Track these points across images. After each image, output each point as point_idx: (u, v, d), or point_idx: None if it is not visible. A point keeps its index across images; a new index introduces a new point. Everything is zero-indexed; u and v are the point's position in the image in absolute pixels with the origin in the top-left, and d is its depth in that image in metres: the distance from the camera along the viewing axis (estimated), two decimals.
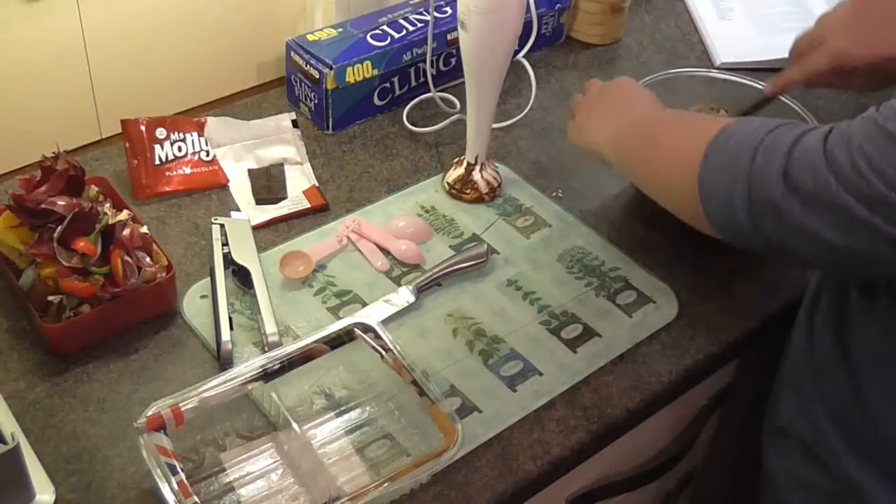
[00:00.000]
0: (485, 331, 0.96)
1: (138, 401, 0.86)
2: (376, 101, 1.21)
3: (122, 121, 1.09)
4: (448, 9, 1.25)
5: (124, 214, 0.94)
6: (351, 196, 1.10)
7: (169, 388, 0.87)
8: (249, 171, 1.12)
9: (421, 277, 0.99)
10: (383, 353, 0.88)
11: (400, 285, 0.99)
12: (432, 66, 1.21)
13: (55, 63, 1.08)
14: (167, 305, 0.94)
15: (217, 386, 0.83)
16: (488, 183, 1.10)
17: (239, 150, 1.13)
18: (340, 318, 0.93)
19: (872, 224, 0.69)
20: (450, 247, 1.04)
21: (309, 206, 1.08)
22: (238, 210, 1.06)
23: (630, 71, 1.06)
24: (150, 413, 0.80)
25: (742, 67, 1.32)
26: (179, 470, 0.77)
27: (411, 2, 1.26)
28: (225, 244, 0.99)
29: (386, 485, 0.78)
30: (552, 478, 0.88)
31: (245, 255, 0.98)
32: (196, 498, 0.76)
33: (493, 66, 1.02)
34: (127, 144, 1.09)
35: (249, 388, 0.85)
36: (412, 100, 1.23)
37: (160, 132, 1.10)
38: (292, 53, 1.18)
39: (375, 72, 1.18)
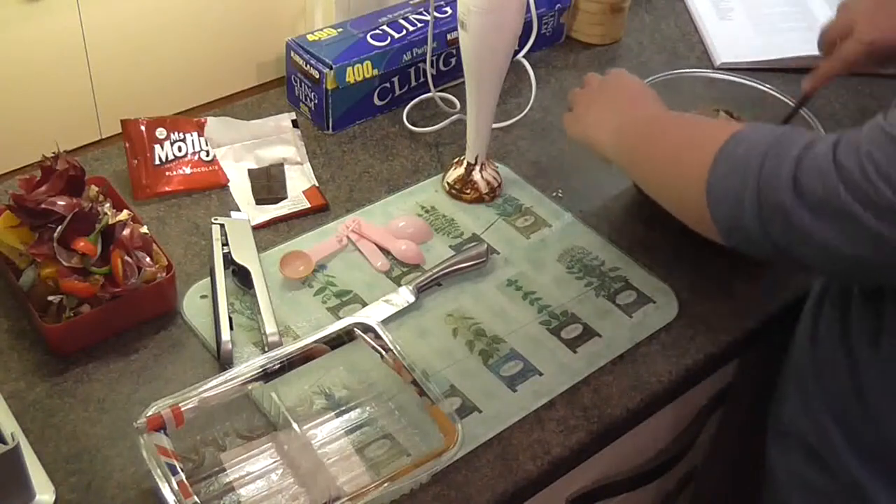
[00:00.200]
0: (485, 331, 0.96)
1: (138, 401, 0.86)
2: (376, 101, 1.21)
3: (122, 121, 1.09)
4: (448, 9, 1.25)
5: (124, 214, 0.94)
6: (351, 196, 1.10)
7: (169, 388, 0.87)
8: (249, 171, 1.12)
9: (421, 277, 0.99)
10: (383, 353, 0.88)
11: (400, 285, 0.99)
12: (432, 66, 1.21)
13: (55, 63, 1.08)
14: (167, 305, 0.94)
15: (217, 386, 0.83)
16: (488, 183, 1.10)
17: (239, 150, 1.13)
18: (340, 318, 0.93)
19: (880, 232, 0.69)
20: (450, 247, 1.04)
21: (309, 206, 1.08)
22: (238, 210, 1.06)
23: (630, 71, 1.05)
24: (150, 413, 0.80)
25: (742, 67, 1.32)
26: (179, 470, 0.77)
27: (411, 2, 1.26)
28: (225, 244, 0.99)
29: (386, 485, 0.78)
30: (552, 478, 0.88)
31: (245, 255, 0.98)
32: (196, 498, 0.76)
33: (493, 66, 1.02)
34: (127, 144, 1.09)
35: (249, 388, 0.85)
36: (412, 100, 1.23)
37: (160, 132, 1.10)
38: (292, 53, 1.18)
39: (375, 72, 1.18)
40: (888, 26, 0.95)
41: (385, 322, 0.93)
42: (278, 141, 1.15)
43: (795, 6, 1.47)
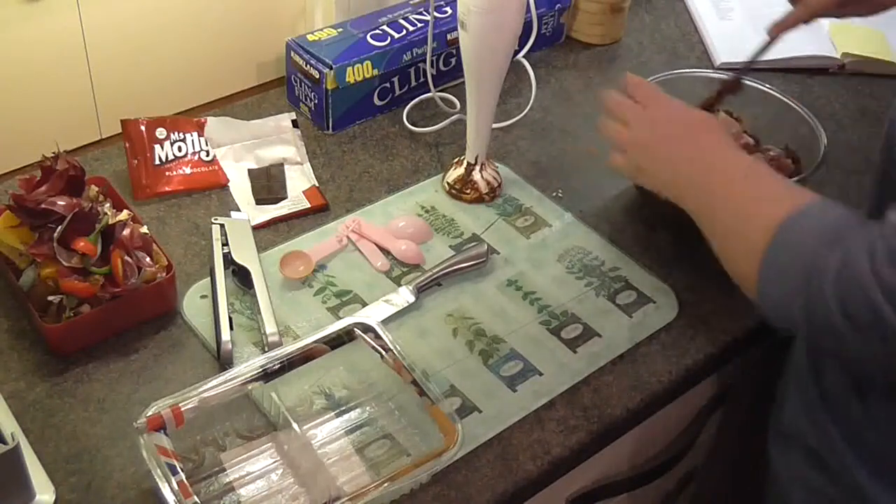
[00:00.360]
0: (485, 331, 0.96)
1: (138, 401, 0.86)
2: (376, 101, 1.21)
3: (122, 121, 1.09)
4: (448, 9, 1.25)
5: (124, 214, 0.94)
6: (351, 196, 1.10)
7: (169, 388, 0.87)
8: (249, 171, 1.12)
9: (421, 277, 0.99)
10: (383, 353, 0.88)
11: (400, 285, 0.99)
12: (432, 66, 1.21)
13: (55, 63, 1.08)
14: (167, 305, 0.94)
15: (217, 386, 0.83)
16: (488, 183, 1.10)
17: (239, 150, 1.13)
18: (340, 318, 0.93)
19: None
20: (450, 247, 1.04)
21: (309, 206, 1.08)
22: (238, 210, 1.06)
23: (630, 71, 1.05)
24: (150, 413, 0.80)
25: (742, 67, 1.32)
26: (179, 470, 0.77)
27: (411, 2, 1.26)
28: (225, 244, 0.99)
29: (386, 485, 0.78)
30: (552, 478, 0.87)
31: (245, 255, 0.98)
32: (196, 498, 0.76)
33: (493, 66, 1.02)
34: (127, 144, 1.09)
35: (249, 388, 0.85)
36: (412, 100, 1.23)
37: (160, 132, 1.10)
38: (292, 53, 1.18)
39: (375, 72, 1.18)
40: None
41: (385, 322, 0.93)
42: (278, 141, 1.15)
43: None
